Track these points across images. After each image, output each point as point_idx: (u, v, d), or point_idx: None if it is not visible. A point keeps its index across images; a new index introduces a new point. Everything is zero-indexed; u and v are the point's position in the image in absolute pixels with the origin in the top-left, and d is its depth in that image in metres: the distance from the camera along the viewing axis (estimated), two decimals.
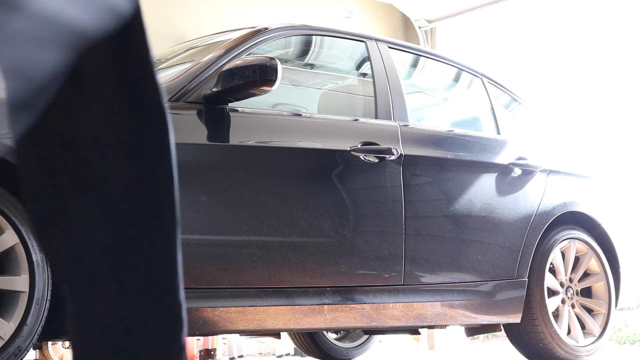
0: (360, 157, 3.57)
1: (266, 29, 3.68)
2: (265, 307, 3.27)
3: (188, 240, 3.09)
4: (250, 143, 3.33)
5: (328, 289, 3.45)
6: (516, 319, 4.08)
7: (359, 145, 3.59)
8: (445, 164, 3.89)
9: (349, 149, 3.56)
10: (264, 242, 3.28)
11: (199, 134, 3.20)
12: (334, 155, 3.52)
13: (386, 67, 3.99)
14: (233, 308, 3.20)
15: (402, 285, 3.66)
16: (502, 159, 4.18)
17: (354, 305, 3.53)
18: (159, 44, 6.27)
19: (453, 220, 3.85)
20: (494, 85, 4.65)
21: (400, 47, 4.23)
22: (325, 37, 4.08)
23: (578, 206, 4.44)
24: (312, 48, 4.12)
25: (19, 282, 2.76)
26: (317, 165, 3.50)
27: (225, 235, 3.19)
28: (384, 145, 3.66)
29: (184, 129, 3.16)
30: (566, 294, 4.32)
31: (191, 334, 3.36)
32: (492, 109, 4.52)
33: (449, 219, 3.84)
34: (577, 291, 4.38)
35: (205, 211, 3.15)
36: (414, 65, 4.54)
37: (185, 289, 3.30)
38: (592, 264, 4.44)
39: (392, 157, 3.66)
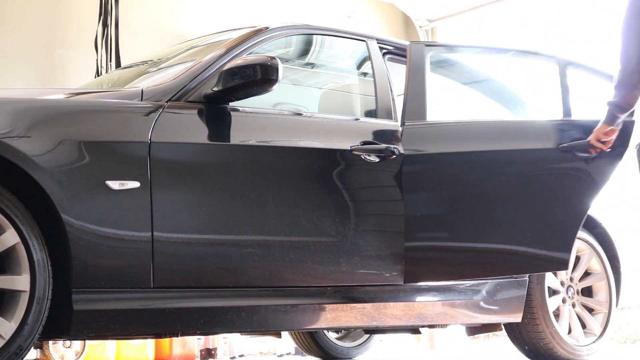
0: (361, 156, 3.57)
1: (267, 28, 3.68)
2: (266, 307, 3.28)
3: (189, 239, 3.09)
4: (251, 142, 3.33)
5: (329, 288, 3.45)
6: (517, 318, 4.08)
7: (359, 145, 3.59)
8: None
9: (349, 148, 3.56)
10: (265, 242, 3.28)
11: (199, 133, 3.21)
12: (335, 155, 3.52)
13: (387, 66, 3.99)
14: (234, 307, 3.20)
15: (403, 284, 3.65)
16: None
17: (354, 305, 3.53)
18: (159, 44, 6.27)
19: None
20: None
21: (399, 46, 4.20)
22: (326, 36, 4.07)
23: None
24: (312, 47, 4.12)
25: (20, 282, 2.76)
26: (317, 165, 3.50)
27: (226, 235, 3.19)
28: (384, 145, 3.66)
29: (184, 129, 3.16)
30: (567, 293, 4.32)
31: (191, 333, 3.36)
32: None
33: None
34: (577, 290, 4.38)
35: (206, 211, 3.15)
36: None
37: (186, 287, 3.31)
38: (593, 263, 4.44)
39: (393, 157, 3.65)
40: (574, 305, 4.33)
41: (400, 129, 3.75)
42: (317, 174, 3.49)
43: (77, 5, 6.47)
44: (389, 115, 3.83)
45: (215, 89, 3.25)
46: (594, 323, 4.34)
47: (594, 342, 4.31)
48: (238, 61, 3.27)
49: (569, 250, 3.77)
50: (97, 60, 6.23)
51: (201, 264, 3.11)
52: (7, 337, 2.72)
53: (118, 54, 6.25)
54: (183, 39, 6.23)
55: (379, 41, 4.05)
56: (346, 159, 3.54)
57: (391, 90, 3.91)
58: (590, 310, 4.39)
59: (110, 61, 6.22)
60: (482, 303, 3.95)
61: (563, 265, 3.78)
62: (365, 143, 3.61)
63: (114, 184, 2.93)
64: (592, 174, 3.85)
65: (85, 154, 2.91)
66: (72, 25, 6.41)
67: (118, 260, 2.93)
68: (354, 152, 3.56)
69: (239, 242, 3.21)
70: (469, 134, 3.86)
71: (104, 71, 6.21)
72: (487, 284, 3.97)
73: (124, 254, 2.94)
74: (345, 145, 3.56)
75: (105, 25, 6.30)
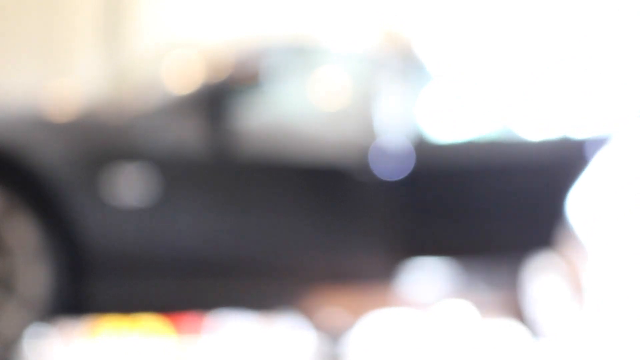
0: (361, 175, 3.60)
1: (267, 43, 3.73)
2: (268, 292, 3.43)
3: (189, 237, 3.24)
4: (248, 159, 3.40)
5: (328, 293, 3.54)
6: (516, 315, 4.14)
7: (359, 163, 3.61)
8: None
9: (350, 166, 3.59)
10: (265, 253, 3.40)
11: (197, 145, 3.28)
12: (335, 173, 3.57)
13: (388, 85, 3.99)
14: (235, 288, 3.38)
15: (400, 293, 3.72)
16: None
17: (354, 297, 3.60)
18: (162, 43, 6.30)
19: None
20: None
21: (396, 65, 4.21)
22: (326, 54, 4.08)
23: None
24: (312, 65, 4.11)
25: (37, 267, 2.87)
26: (316, 183, 3.54)
27: (224, 234, 3.30)
28: (385, 164, 3.68)
29: (180, 141, 3.26)
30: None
31: (196, 311, 3.51)
32: None
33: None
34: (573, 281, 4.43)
35: (206, 220, 3.28)
36: None
37: (192, 273, 3.41)
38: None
39: (394, 175, 3.68)
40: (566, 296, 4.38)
41: (396, 147, 3.77)
42: (316, 192, 3.53)
43: (81, 2, 6.50)
44: (388, 134, 3.83)
45: (215, 100, 3.33)
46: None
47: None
48: (238, 74, 3.38)
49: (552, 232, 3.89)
50: (100, 60, 6.27)
51: (204, 256, 3.25)
52: (14, 326, 2.83)
53: (121, 54, 6.28)
54: (187, 37, 6.25)
55: (376, 59, 4.07)
56: (346, 177, 3.57)
57: (386, 109, 3.93)
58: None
59: (114, 61, 6.26)
60: (481, 301, 4.01)
61: (548, 243, 3.88)
62: (364, 162, 3.62)
63: (118, 184, 3.04)
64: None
65: (90, 160, 3.03)
66: (76, 25, 6.45)
67: (126, 249, 3.09)
68: (354, 170, 3.59)
69: (238, 253, 3.35)
70: (468, 151, 3.94)
71: (107, 72, 6.24)
72: (486, 282, 4.01)
73: (132, 244, 3.09)
74: (345, 163, 3.59)
75: (110, 23, 6.33)
